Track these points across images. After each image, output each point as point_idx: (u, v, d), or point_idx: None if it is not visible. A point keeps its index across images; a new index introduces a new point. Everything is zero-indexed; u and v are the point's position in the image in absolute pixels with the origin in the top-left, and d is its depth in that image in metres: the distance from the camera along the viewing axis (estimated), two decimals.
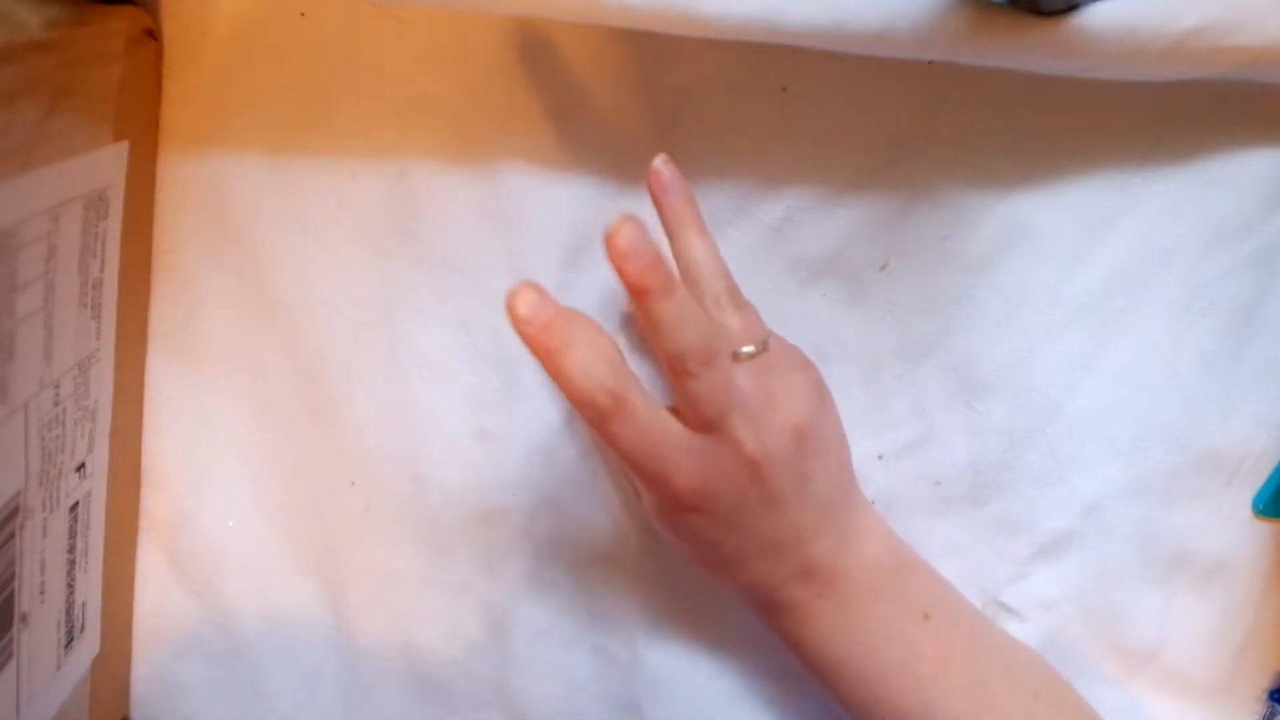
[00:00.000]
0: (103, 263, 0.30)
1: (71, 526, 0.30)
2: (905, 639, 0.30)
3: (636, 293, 0.25)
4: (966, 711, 0.30)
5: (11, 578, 0.27)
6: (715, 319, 0.29)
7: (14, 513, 0.27)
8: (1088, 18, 0.26)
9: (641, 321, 0.26)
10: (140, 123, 0.32)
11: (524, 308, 0.25)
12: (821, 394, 0.31)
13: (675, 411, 0.28)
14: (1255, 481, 0.35)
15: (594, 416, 0.26)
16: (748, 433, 0.27)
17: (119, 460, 0.33)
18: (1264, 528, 0.35)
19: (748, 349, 0.29)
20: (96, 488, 0.32)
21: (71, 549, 0.30)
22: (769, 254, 0.34)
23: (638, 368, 0.33)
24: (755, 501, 0.28)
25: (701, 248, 0.30)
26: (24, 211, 0.25)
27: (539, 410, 0.35)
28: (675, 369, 0.26)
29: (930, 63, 0.31)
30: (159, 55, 0.32)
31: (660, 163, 0.29)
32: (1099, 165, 0.33)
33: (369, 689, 0.37)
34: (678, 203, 0.30)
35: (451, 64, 0.32)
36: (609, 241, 0.24)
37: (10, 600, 0.27)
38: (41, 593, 0.29)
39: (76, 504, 0.30)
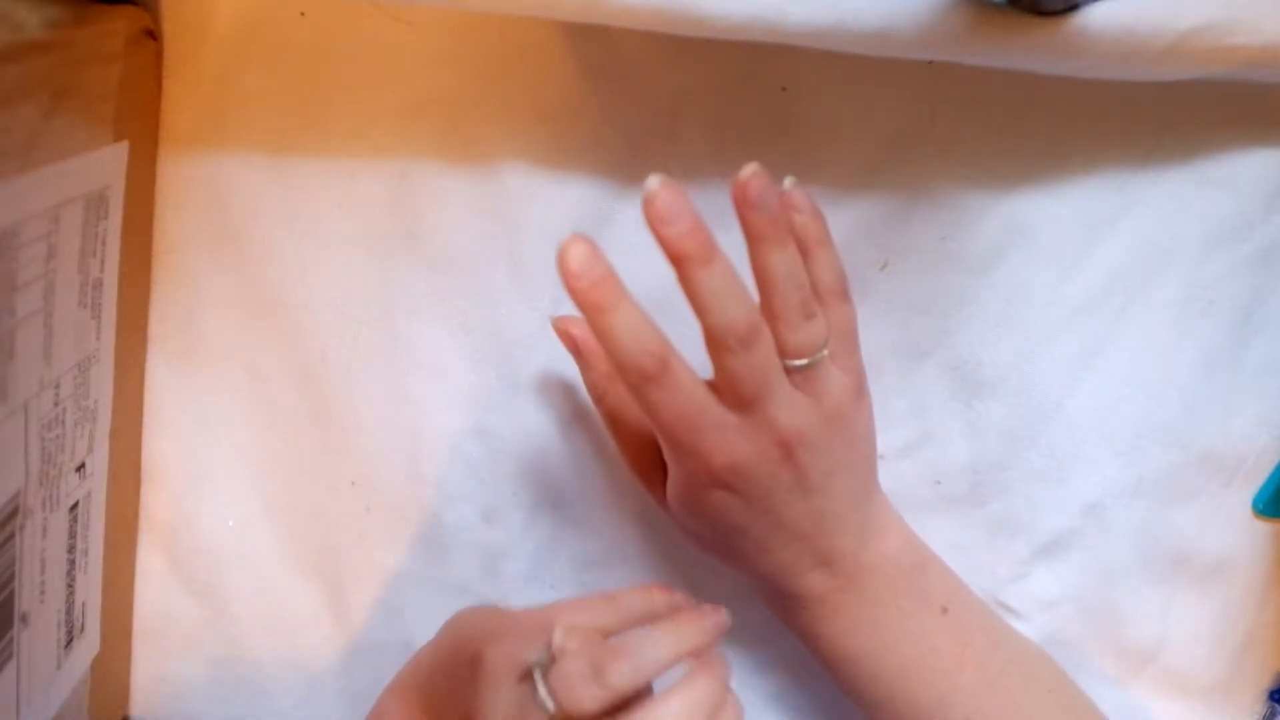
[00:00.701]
0: (103, 263, 0.30)
1: (71, 526, 0.30)
2: (923, 632, 0.30)
3: (675, 259, 0.24)
4: (982, 706, 0.30)
5: (11, 578, 0.27)
6: (786, 329, 0.28)
7: (14, 513, 0.27)
8: (1088, 18, 0.26)
9: (683, 291, 0.25)
10: (140, 123, 0.32)
11: (575, 262, 0.24)
12: (860, 393, 0.30)
13: (713, 386, 0.27)
14: (1255, 481, 0.35)
15: (637, 379, 0.26)
16: (783, 412, 0.27)
17: (119, 460, 0.33)
18: (1264, 528, 0.35)
19: (799, 363, 0.28)
20: (96, 488, 0.32)
21: (71, 549, 0.30)
22: None
23: None
24: (785, 484, 0.28)
25: (780, 260, 0.27)
26: (24, 211, 0.25)
27: (539, 410, 0.35)
28: (715, 344, 0.26)
29: (930, 63, 0.31)
30: (159, 55, 0.32)
31: (750, 172, 0.26)
32: (1099, 165, 0.33)
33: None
34: (761, 218, 0.27)
35: (451, 64, 0.32)
36: (646, 205, 0.24)
37: (10, 600, 0.27)
38: (41, 593, 0.29)
39: (76, 504, 0.30)
